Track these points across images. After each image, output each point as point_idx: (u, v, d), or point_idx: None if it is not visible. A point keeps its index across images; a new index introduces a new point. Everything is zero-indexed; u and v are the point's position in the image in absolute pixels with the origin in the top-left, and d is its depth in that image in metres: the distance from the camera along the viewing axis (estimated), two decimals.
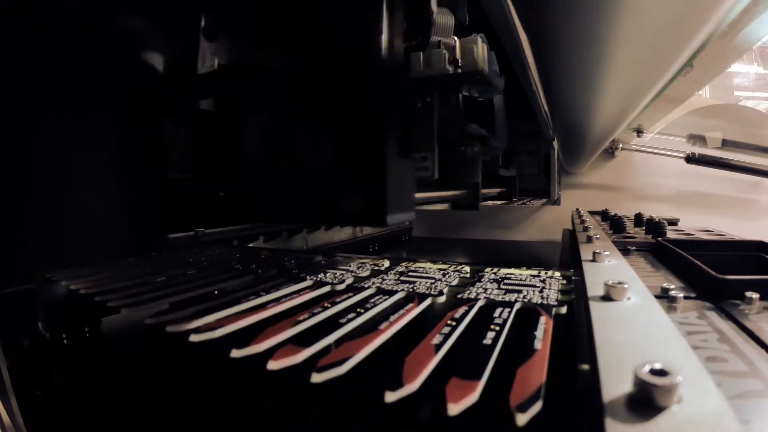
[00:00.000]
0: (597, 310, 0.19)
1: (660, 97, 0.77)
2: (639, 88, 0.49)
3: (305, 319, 0.21)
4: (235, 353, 0.17)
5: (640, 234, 0.54)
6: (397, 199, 0.23)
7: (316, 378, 0.15)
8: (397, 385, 0.14)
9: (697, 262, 0.30)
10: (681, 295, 0.24)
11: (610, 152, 1.45)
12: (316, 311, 0.22)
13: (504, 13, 0.45)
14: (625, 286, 0.21)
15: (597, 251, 0.31)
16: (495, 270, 0.34)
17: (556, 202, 1.40)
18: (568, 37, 0.35)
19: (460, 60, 0.31)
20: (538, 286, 0.28)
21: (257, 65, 0.28)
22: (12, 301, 0.33)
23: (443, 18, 0.31)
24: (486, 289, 0.28)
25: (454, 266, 0.36)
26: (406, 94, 0.29)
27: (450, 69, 0.31)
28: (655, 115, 1.29)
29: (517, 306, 0.24)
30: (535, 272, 0.33)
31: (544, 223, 1.25)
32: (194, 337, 0.19)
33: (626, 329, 0.17)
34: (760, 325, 0.20)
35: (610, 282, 0.21)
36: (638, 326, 0.17)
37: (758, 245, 0.40)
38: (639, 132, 1.41)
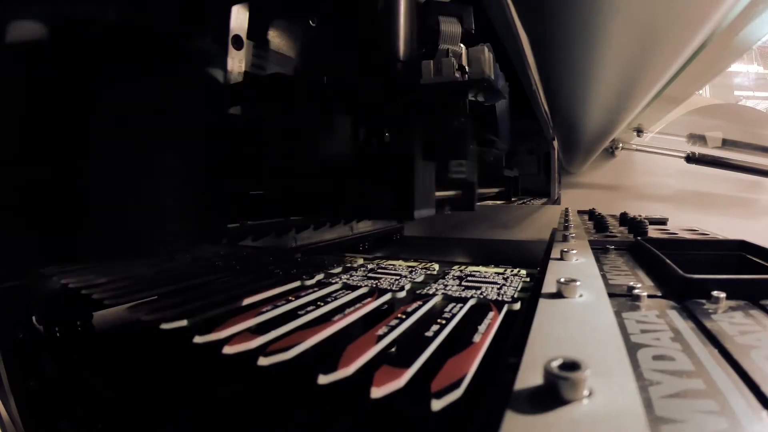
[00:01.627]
0: (544, 306, 0.19)
1: (660, 97, 0.77)
2: (639, 87, 0.49)
3: (267, 311, 0.22)
4: (198, 339, 0.19)
5: (622, 233, 0.53)
6: (422, 196, 0.27)
7: (263, 361, 0.17)
8: (331, 369, 0.16)
9: (667, 260, 0.29)
10: (645, 293, 0.24)
11: (611, 152, 1.45)
12: (279, 304, 0.24)
13: (504, 13, 0.45)
14: (577, 283, 0.21)
15: (565, 250, 0.31)
16: (462, 268, 0.35)
17: (557, 202, 1.40)
18: (568, 37, 0.35)
19: (467, 67, 0.33)
20: (499, 284, 0.29)
21: (293, 73, 0.33)
22: (8, 295, 0.34)
23: (451, 27, 0.33)
24: (446, 286, 0.29)
25: (423, 264, 0.37)
26: (426, 101, 0.32)
27: (458, 76, 0.32)
28: (655, 114, 1.29)
29: (471, 302, 0.25)
30: (500, 270, 0.33)
31: (544, 222, 1.24)
32: (165, 326, 0.21)
33: (565, 325, 0.17)
34: (720, 324, 0.20)
35: (562, 280, 0.21)
36: (578, 323, 0.17)
37: (740, 244, 0.39)
38: (639, 131, 1.41)
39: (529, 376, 0.13)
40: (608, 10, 0.29)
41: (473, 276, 0.32)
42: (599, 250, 0.41)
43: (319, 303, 0.24)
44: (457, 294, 0.27)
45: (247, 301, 0.25)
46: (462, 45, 0.33)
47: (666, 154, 1.37)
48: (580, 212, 0.89)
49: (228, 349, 0.18)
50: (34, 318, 0.33)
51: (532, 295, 0.25)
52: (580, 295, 0.21)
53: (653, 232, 0.52)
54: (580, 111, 0.63)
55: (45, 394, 0.32)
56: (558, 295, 0.21)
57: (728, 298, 0.23)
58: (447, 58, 0.32)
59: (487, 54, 0.32)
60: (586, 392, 0.11)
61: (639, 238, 0.42)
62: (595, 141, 0.94)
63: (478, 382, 0.15)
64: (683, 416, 0.12)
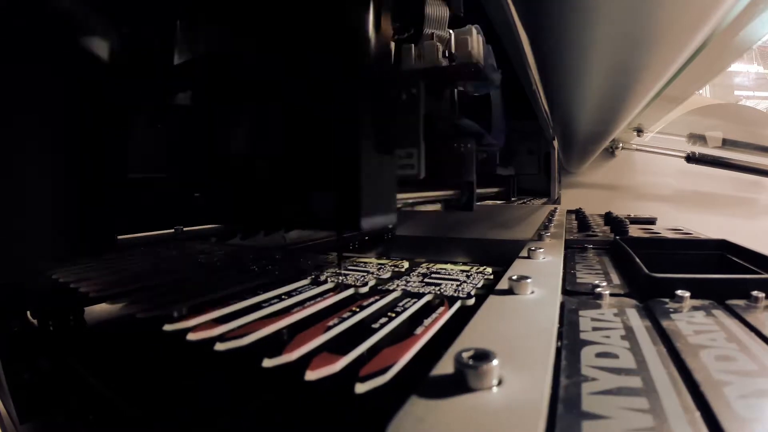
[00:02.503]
0: (491, 302, 0.20)
1: (660, 97, 0.77)
2: (639, 87, 0.49)
3: (234, 303, 0.24)
4: (167, 327, 0.21)
5: (605, 233, 0.53)
6: (373, 200, 0.22)
7: (219, 346, 0.19)
8: (276, 354, 0.17)
9: (636, 259, 0.29)
10: (607, 292, 0.23)
11: (611, 151, 1.45)
12: (246, 297, 0.25)
13: (504, 12, 0.45)
14: (528, 281, 0.21)
15: (532, 248, 0.31)
16: (430, 265, 0.35)
17: (557, 202, 1.40)
18: (569, 36, 0.35)
19: (454, 52, 0.30)
20: (460, 280, 0.30)
21: (231, 56, 0.27)
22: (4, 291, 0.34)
23: (437, 10, 0.31)
24: (408, 282, 0.29)
25: (393, 261, 0.37)
26: (388, 86, 0.26)
27: (443, 62, 0.30)
28: (656, 114, 1.29)
29: (426, 298, 0.25)
30: (466, 268, 0.34)
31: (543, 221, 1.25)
32: (139, 315, 0.23)
33: (503, 320, 0.17)
34: (677, 323, 0.19)
35: (514, 277, 0.22)
36: (518, 318, 0.18)
37: (721, 244, 0.38)
38: (639, 131, 1.41)
39: (446, 365, 0.13)
40: (608, 10, 0.29)
41: (437, 273, 0.32)
42: (577, 250, 0.41)
43: (283, 296, 0.25)
44: (415, 290, 0.27)
45: (218, 295, 0.26)
46: (449, 30, 0.31)
47: (666, 153, 1.37)
48: (569, 212, 0.89)
49: (191, 336, 0.19)
50: (28, 312, 0.34)
51: (487, 291, 0.25)
52: (532, 292, 0.21)
53: (637, 231, 0.52)
54: (580, 111, 0.63)
55: (39, 385, 0.33)
56: (509, 291, 0.21)
57: (694, 297, 0.23)
58: (430, 42, 0.29)
59: (475, 36, 0.30)
60: (494, 382, 0.12)
61: (617, 237, 0.41)
62: (595, 141, 0.94)
63: (408, 371, 0.16)
64: (609, 413, 0.12)
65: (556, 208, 0.89)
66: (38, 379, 0.33)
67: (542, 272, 0.26)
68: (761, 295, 0.22)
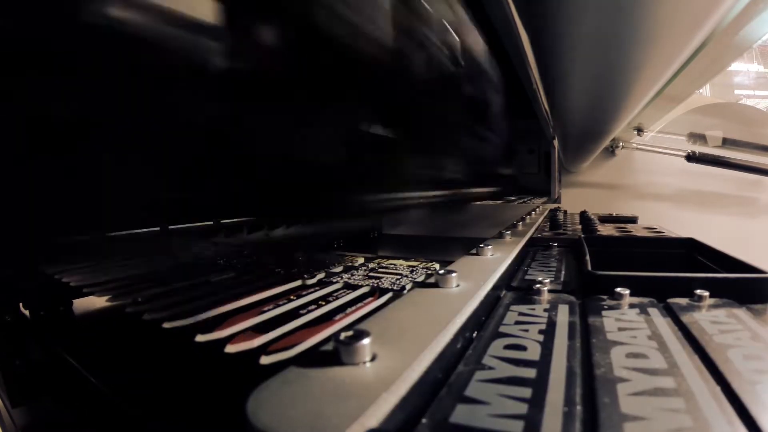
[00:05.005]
0: (413, 293, 0.20)
1: (660, 96, 0.77)
2: (639, 86, 0.49)
3: (191, 290, 0.27)
4: (129, 309, 0.24)
5: (576, 231, 0.52)
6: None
7: (167, 325, 0.21)
8: (208, 331, 0.20)
9: (586, 256, 0.29)
10: (546, 288, 0.23)
11: (611, 151, 1.45)
12: (202, 285, 0.28)
13: (504, 12, 0.45)
14: (453, 275, 0.21)
15: (482, 245, 0.31)
16: (382, 261, 0.37)
17: (557, 201, 1.40)
18: (569, 35, 0.35)
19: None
20: (402, 275, 0.31)
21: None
22: None
23: None
24: (353, 275, 0.31)
25: (350, 257, 0.38)
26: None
27: None
28: (656, 113, 1.29)
29: (362, 290, 0.27)
30: (414, 264, 0.35)
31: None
32: (108, 301, 0.27)
33: (413, 309, 0.18)
34: (603, 320, 0.19)
35: (441, 271, 0.22)
36: (429, 308, 0.18)
37: (689, 244, 0.38)
38: (639, 130, 1.41)
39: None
40: (609, 10, 0.29)
41: (385, 268, 0.34)
42: (541, 248, 0.41)
43: (234, 285, 0.28)
44: (355, 282, 0.29)
45: (181, 284, 0.29)
46: None
47: (666, 153, 1.37)
48: (550, 211, 0.89)
49: (146, 316, 0.23)
50: (21, 304, 0.36)
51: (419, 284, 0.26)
52: (457, 286, 0.21)
53: (610, 230, 0.52)
54: (581, 110, 0.63)
55: (29, 371, 0.34)
56: (434, 284, 0.22)
57: (636, 295, 0.23)
58: None
59: None
60: (366, 359, 0.13)
61: (582, 235, 0.40)
62: (596, 140, 0.94)
63: (315, 348, 0.17)
64: (489, 399, 0.12)
65: (537, 207, 0.89)
66: (29, 367, 0.34)
67: (480, 268, 0.26)
68: (705, 293, 0.22)
